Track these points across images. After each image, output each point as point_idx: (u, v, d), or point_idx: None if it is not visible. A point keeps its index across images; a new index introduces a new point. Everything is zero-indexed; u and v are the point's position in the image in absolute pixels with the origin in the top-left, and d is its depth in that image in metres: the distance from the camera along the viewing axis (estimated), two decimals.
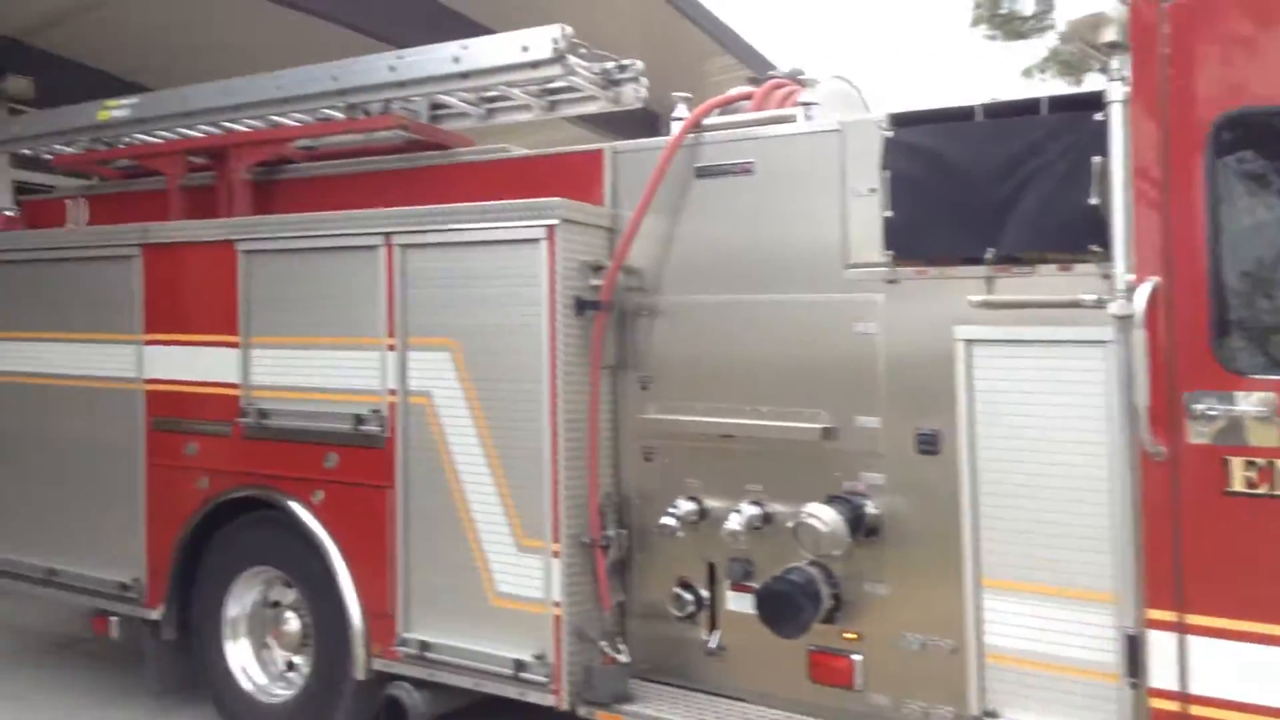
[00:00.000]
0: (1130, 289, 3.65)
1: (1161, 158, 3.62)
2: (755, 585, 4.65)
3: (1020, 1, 16.13)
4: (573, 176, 5.38)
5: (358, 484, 5.63)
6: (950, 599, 4.29)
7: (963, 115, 4.32)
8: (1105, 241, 3.85)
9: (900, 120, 4.43)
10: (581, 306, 5.01)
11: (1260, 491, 3.44)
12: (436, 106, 6.19)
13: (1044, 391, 4.09)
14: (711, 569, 4.96)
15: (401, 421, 5.47)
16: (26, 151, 8.52)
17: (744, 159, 4.86)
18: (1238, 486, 3.48)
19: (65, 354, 6.97)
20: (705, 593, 4.97)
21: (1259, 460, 3.44)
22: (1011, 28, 15.85)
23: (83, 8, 11.24)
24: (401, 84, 5.96)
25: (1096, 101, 3.87)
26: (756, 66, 10.94)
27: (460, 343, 5.30)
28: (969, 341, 4.25)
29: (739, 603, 4.83)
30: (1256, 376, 3.47)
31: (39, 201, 8.05)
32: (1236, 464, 3.48)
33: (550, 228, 4.99)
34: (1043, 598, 4.10)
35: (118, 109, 7.11)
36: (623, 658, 5.00)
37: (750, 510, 4.72)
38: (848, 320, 4.58)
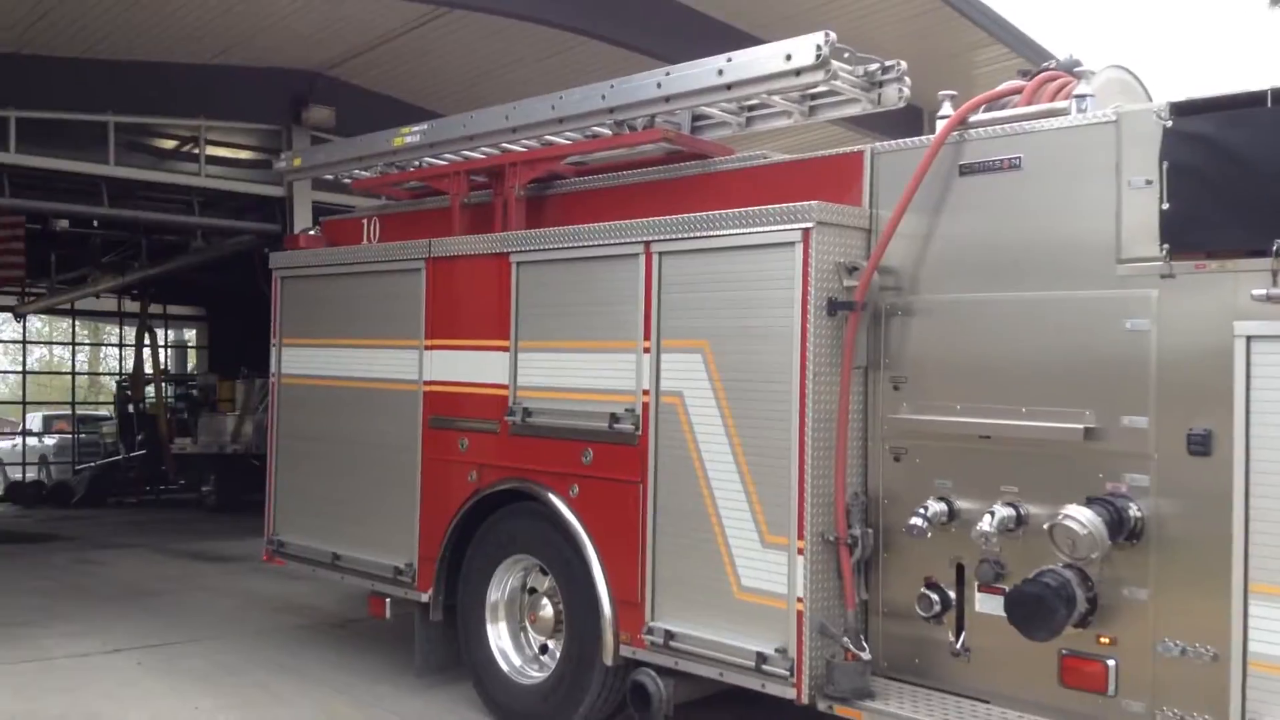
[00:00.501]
0: None
1: None
2: (1005, 587, 4.65)
3: None
4: (832, 179, 5.60)
5: (611, 479, 6.05)
6: (1215, 605, 4.18)
7: (1252, 101, 4.23)
8: None
9: (1182, 109, 4.39)
10: (834, 307, 5.21)
11: None
12: (698, 118, 6.60)
13: None
14: (960, 570, 5.00)
15: (654, 420, 5.85)
16: (328, 176, 9.72)
17: (1011, 154, 4.92)
18: None
19: (355, 358, 7.90)
20: (952, 594, 5.00)
21: None
22: None
23: (378, 42, 12.63)
24: (668, 99, 6.41)
25: None
26: (1030, 56, 10.74)
27: (712, 344, 5.63)
28: (1250, 338, 4.14)
29: (988, 604, 4.85)
30: None
31: (337, 221, 9.13)
32: None
33: (805, 231, 5.24)
34: None
35: (410, 135, 8.01)
36: (865, 655, 5.11)
37: (1004, 511, 4.74)
38: (1118, 317, 4.54)
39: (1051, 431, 4.68)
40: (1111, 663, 4.49)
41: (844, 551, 5.20)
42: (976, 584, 4.92)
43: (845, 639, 5.14)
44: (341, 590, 9.05)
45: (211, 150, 14.27)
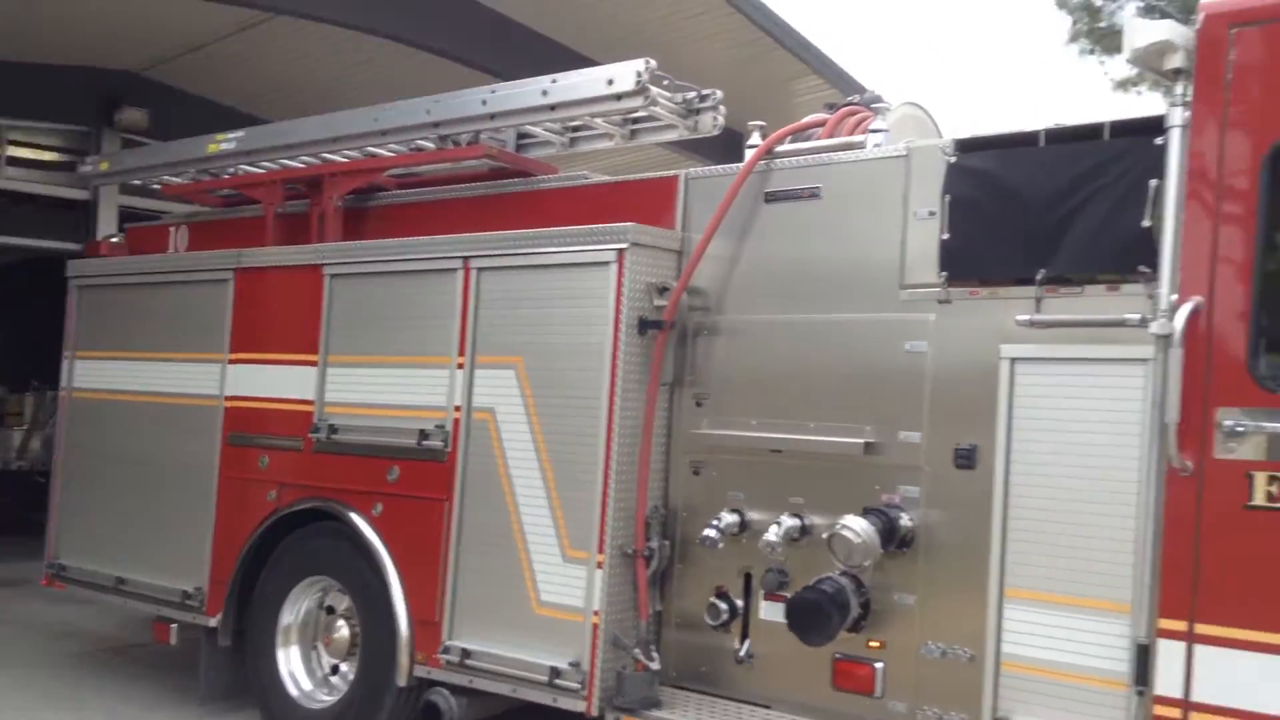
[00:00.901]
0: (1173, 308, 3.95)
1: (1216, 181, 3.94)
2: (788, 595, 4.94)
3: (1120, 15, 16.64)
4: (648, 202, 5.90)
5: (416, 497, 6.12)
6: (973, 609, 4.55)
7: (1025, 141, 4.72)
8: (1154, 263, 4.17)
9: (964, 145, 4.85)
10: (644, 326, 5.47)
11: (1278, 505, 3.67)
12: (523, 136, 6.83)
13: (1083, 408, 4.38)
14: (748, 579, 5.27)
15: (464, 436, 5.97)
16: (136, 181, 9.52)
17: (811, 184, 5.32)
18: (1259, 500, 3.72)
19: (153, 372, 7.74)
20: (740, 602, 5.27)
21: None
22: (1110, 42, 16.37)
23: (198, 45, 12.45)
24: (492, 116, 6.62)
25: (1157, 126, 4.22)
26: (844, 87, 11.49)
27: (526, 360, 5.82)
28: (1014, 359, 4.58)
29: (771, 612, 5.13)
30: None
31: (142, 229, 8.96)
32: (1260, 478, 3.72)
33: (620, 251, 5.51)
34: (1062, 608, 4.36)
35: (225, 141, 7.97)
36: (654, 665, 5.33)
37: (789, 522, 5.05)
38: (899, 338, 4.94)
39: (835, 446, 5.02)
40: (879, 665, 4.83)
41: (640, 564, 5.41)
42: (762, 592, 5.21)
43: (636, 650, 5.34)
44: (126, 615, 8.73)
45: (13, 151, 13.74)
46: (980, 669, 4.56)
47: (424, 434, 6.10)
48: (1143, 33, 4.12)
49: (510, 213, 6.40)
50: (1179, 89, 4.08)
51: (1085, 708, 4.30)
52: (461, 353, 6.03)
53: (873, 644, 4.85)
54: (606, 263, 5.54)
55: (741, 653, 5.24)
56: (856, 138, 5.38)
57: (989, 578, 4.56)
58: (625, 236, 5.51)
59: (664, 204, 5.84)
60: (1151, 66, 4.20)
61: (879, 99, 5.62)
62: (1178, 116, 4.06)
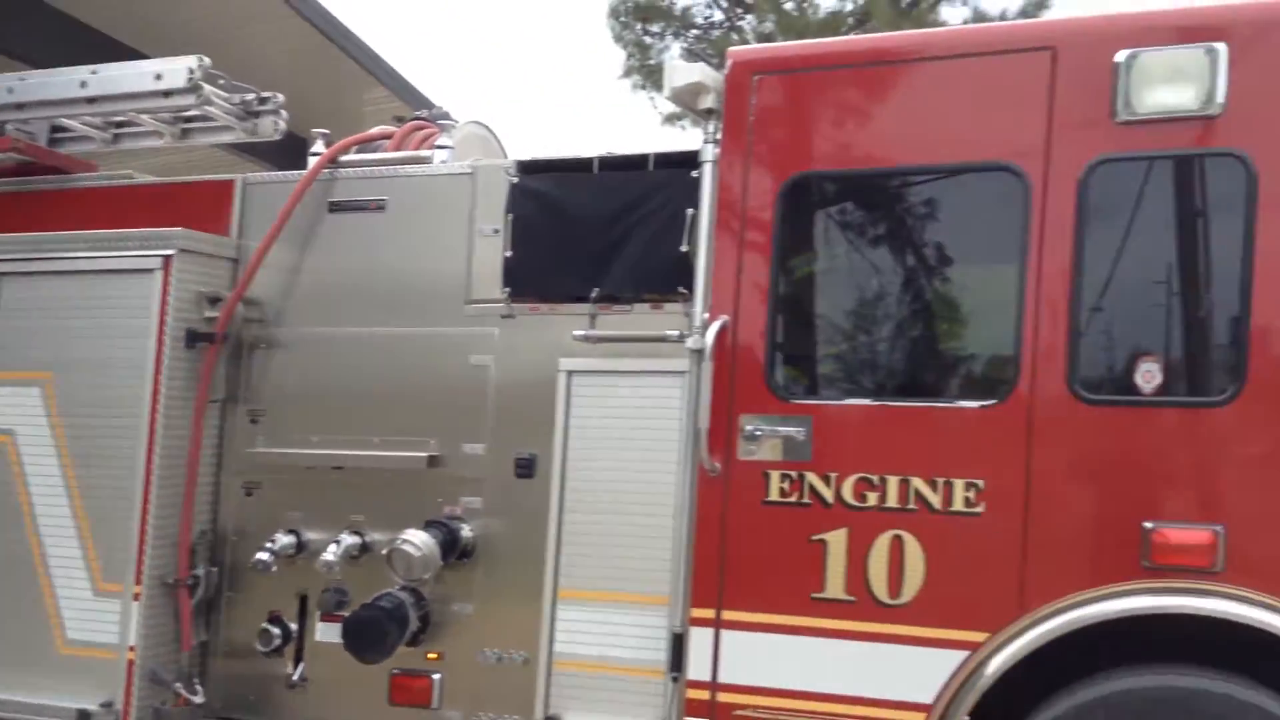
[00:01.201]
0: (704, 326, 4.42)
1: (741, 212, 4.45)
2: (346, 614, 4.93)
3: (667, 54, 18.32)
4: (201, 206, 5.66)
5: None
6: (528, 613, 4.78)
7: (582, 166, 5.06)
8: (691, 284, 4.64)
9: (526, 167, 5.11)
10: (193, 339, 5.25)
11: (791, 500, 4.21)
12: (57, 129, 6.31)
13: (630, 417, 4.77)
14: (303, 601, 5.18)
15: None
16: None
17: (377, 196, 5.37)
18: (774, 496, 4.24)
19: None
20: (294, 626, 5.17)
21: (792, 473, 4.22)
22: (657, 80, 18.01)
23: None
24: (20, 105, 6.07)
25: (694, 160, 4.70)
26: (413, 101, 11.72)
27: (55, 376, 5.39)
28: (571, 372, 4.89)
29: (328, 633, 5.07)
30: (798, 401, 4.27)
31: None
32: (775, 476, 4.25)
33: (166, 258, 5.27)
34: (610, 604, 4.70)
35: None
36: (196, 698, 5.09)
37: (349, 540, 5.03)
38: (464, 352, 5.11)
39: (399, 460, 5.09)
40: (437, 677, 4.93)
41: (184, 594, 5.16)
42: (319, 614, 5.14)
43: (177, 684, 5.08)
44: None
45: None
46: (534, 670, 4.80)
47: None
48: (680, 73, 4.59)
49: (45, 213, 5.89)
50: (711, 127, 4.56)
51: (630, 698, 4.65)
52: None
53: (431, 656, 4.94)
54: (150, 270, 5.30)
55: (295, 677, 5.13)
56: (423, 152, 5.50)
57: (544, 582, 4.81)
58: (172, 242, 5.30)
59: (219, 209, 5.65)
60: (688, 105, 4.68)
61: (446, 115, 5.79)
62: (709, 153, 4.54)
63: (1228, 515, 3.70)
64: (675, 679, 4.44)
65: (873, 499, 4.10)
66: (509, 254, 5.05)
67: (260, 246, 5.38)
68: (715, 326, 4.32)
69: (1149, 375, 3.86)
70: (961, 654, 3.94)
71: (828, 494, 4.16)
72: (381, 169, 5.45)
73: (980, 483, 3.97)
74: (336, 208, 5.44)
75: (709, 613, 4.30)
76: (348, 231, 5.42)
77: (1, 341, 5.50)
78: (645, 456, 4.75)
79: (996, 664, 3.88)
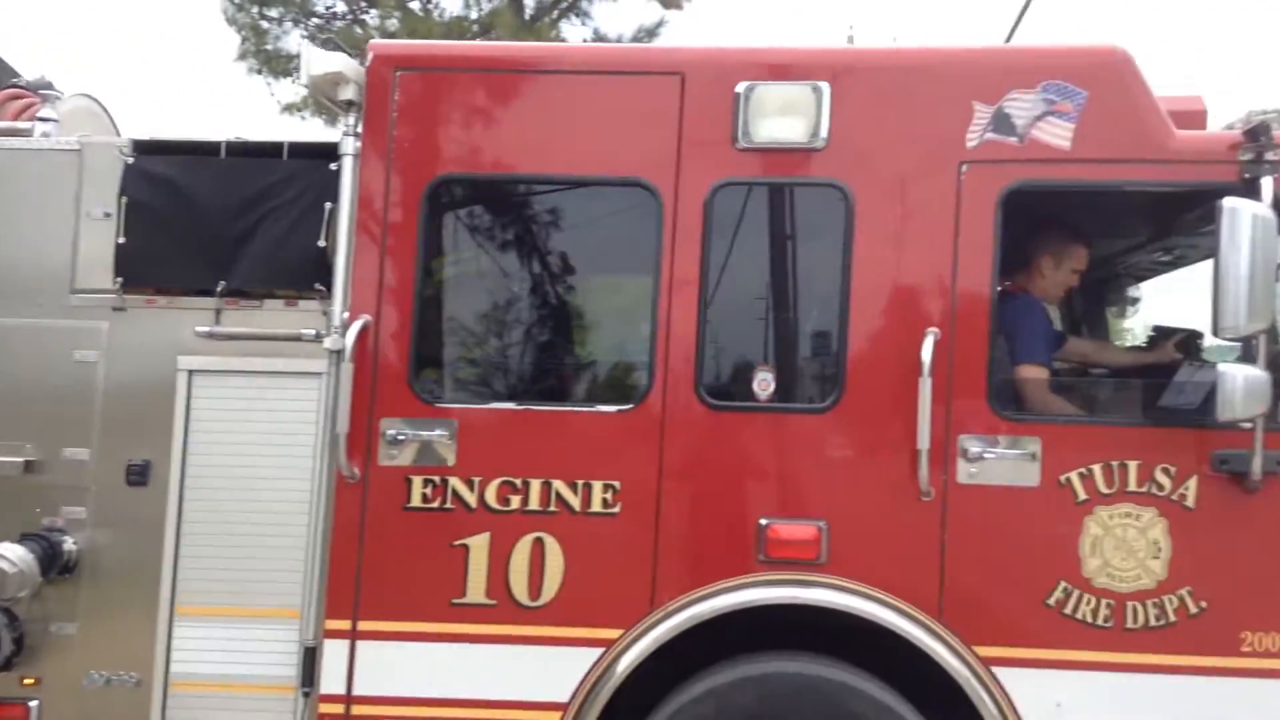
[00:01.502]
0: (344, 326, 4.30)
1: (382, 209, 4.36)
2: None
3: (285, 40, 17.61)
4: None
5: None
6: (142, 632, 4.47)
7: (207, 150, 4.76)
8: (329, 282, 4.50)
9: (143, 147, 4.73)
10: None
11: (433, 506, 4.21)
12: None
13: (261, 420, 4.56)
14: None
15: None
16: None
17: None
18: (415, 502, 4.22)
19: None
20: None
21: (435, 478, 4.22)
22: (274, 66, 17.23)
23: None
24: None
25: (332, 151, 4.56)
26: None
27: None
28: (192, 372, 4.60)
29: None
30: (441, 405, 4.27)
31: None
32: (417, 482, 4.23)
33: None
34: (235, 620, 4.49)
35: None
36: None
37: None
38: (68, 347, 4.66)
39: None
40: (35, 703, 4.49)
41: None
42: None
43: None
44: None
45: None
46: (148, 693, 4.49)
47: None
48: (319, 62, 4.43)
49: None
50: (351, 119, 4.44)
51: (261, 717, 4.45)
52: None
53: (28, 681, 4.50)
54: None
55: None
56: (22, 124, 4.96)
57: (159, 598, 4.51)
58: None
59: None
60: (326, 95, 4.53)
61: (49, 86, 5.25)
62: (350, 145, 4.42)
63: (829, 512, 4.10)
64: (307, 694, 4.32)
65: (515, 502, 4.18)
66: (122, 240, 4.66)
67: None
68: (356, 326, 4.23)
69: (764, 383, 4.20)
70: (597, 651, 4.11)
71: (470, 499, 4.20)
72: None
73: (617, 484, 4.15)
74: None
75: (344, 624, 4.21)
76: None
77: None
78: (277, 463, 4.57)
79: (627, 660, 4.08)
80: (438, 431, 4.22)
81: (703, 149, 4.24)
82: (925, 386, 4.00)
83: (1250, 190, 4.00)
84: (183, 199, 4.68)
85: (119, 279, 4.66)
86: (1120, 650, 4.00)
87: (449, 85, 4.44)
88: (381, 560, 4.22)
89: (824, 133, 4.21)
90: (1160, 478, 4.04)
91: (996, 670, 4.00)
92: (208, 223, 4.66)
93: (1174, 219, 4.68)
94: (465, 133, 4.44)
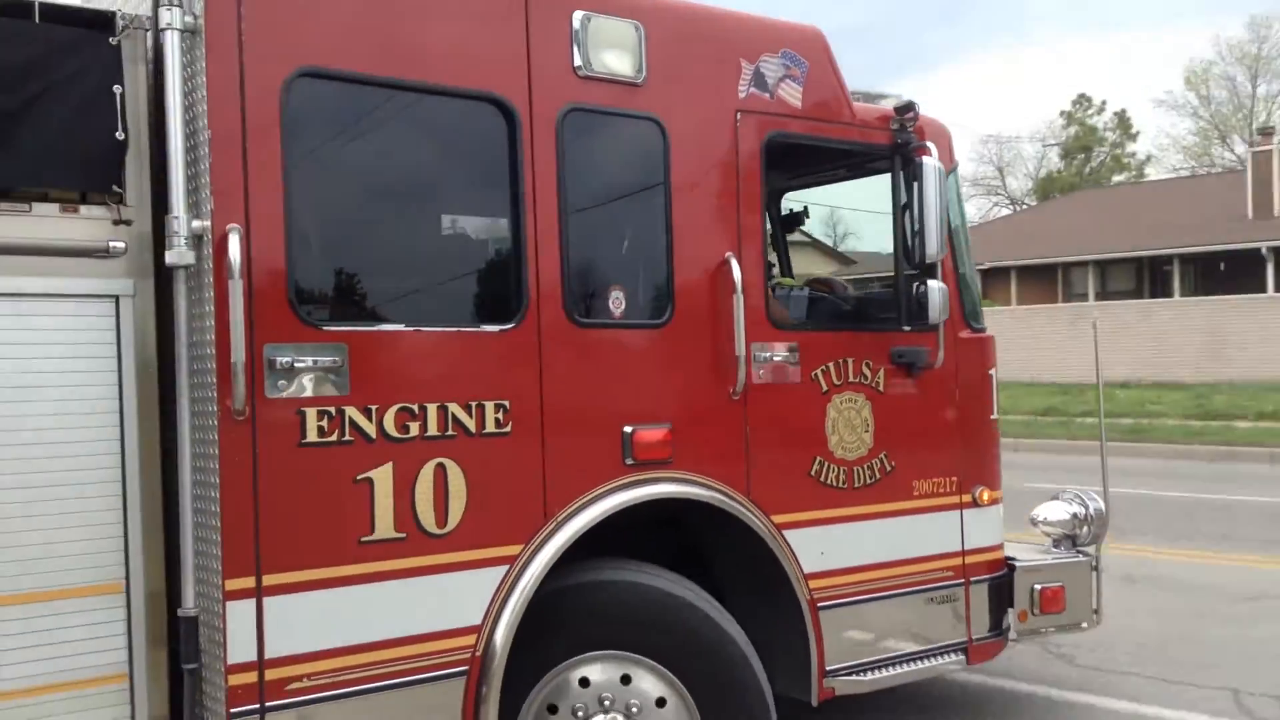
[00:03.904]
0: (197, 236, 3.78)
1: (237, 103, 3.82)
2: None
3: None
4: None
5: None
6: None
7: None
8: (124, 182, 3.86)
9: None
10: None
11: (331, 440, 3.96)
12: None
13: (30, 356, 3.74)
14: None
15: None
16: None
17: None
18: (311, 437, 3.93)
19: None
20: None
21: (330, 409, 3.96)
22: None
23: None
24: None
25: (108, 22, 3.85)
26: None
27: None
28: None
29: None
30: (329, 329, 3.98)
31: None
32: (311, 415, 3.93)
33: None
34: (40, 605, 3.74)
35: None
36: None
37: None
38: None
39: None
40: None
41: None
42: None
43: None
44: None
45: None
46: None
47: None
48: None
49: None
50: None
51: (85, 717, 3.76)
52: None
53: None
54: None
55: None
56: None
57: None
58: None
59: None
60: None
61: None
62: (173, 17, 3.81)
63: (672, 415, 4.78)
64: (192, 670, 3.80)
65: (414, 429, 4.13)
66: None
67: None
68: (235, 238, 3.77)
69: (617, 302, 4.71)
70: (502, 569, 4.30)
71: (370, 429, 4.05)
72: None
73: (507, 403, 4.34)
74: None
75: (246, 582, 3.79)
76: None
77: None
78: (59, 409, 3.81)
79: (531, 573, 4.34)
80: (330, 358, 3.97)
81: (552, 73, 4.54)
82: (738, 303, 4.88)
83: (901, 152, 5.53)
84: None
85: None
86: (851, 505, 5.35)
87: None
88: (280, 505, 3.86)
89: (644, 69, 4.79)
90: (865, 370, 5.43)
91: (785, 532, 5.08)
92: None
93: (858, 169, 6.02)
94: (334, 21, 4.09)
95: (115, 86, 3.88)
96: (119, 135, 3.88)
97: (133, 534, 3.90)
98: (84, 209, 3.89)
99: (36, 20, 3.85)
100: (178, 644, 3.87)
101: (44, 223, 3.82)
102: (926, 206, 5.30)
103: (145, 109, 3.97)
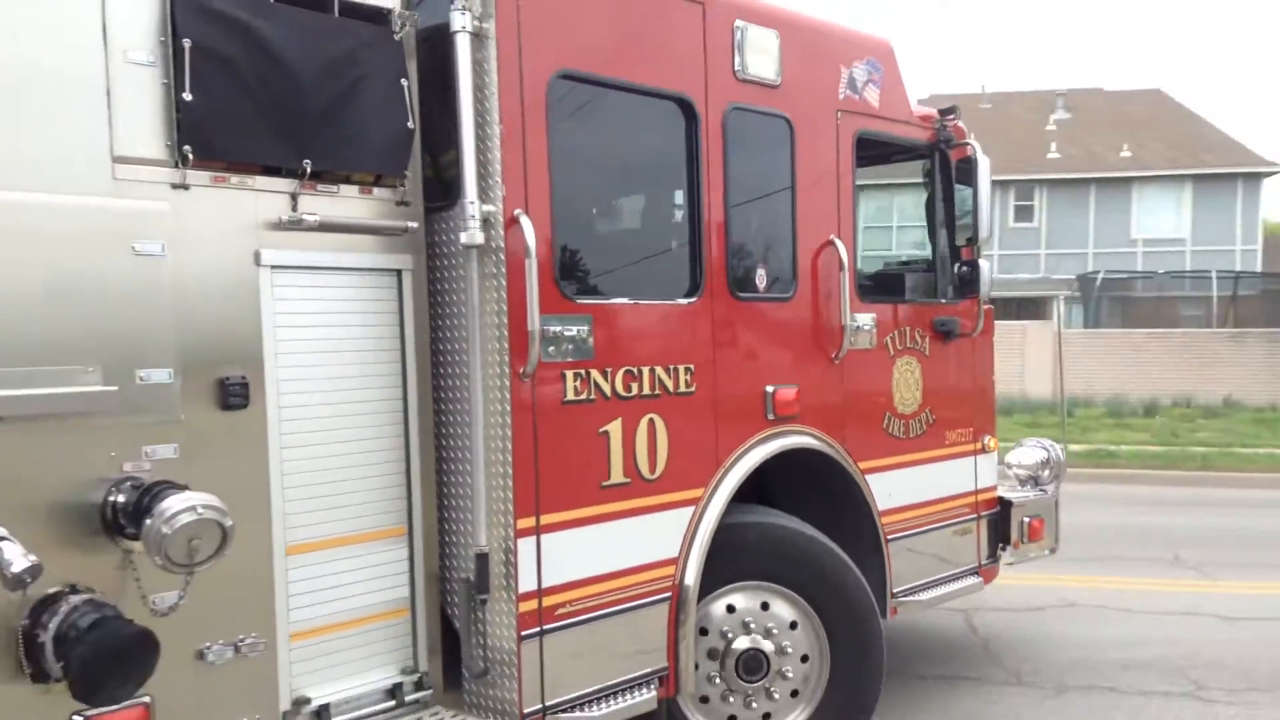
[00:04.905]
0: (487, 221, 4.44)
1: (518, 101, 4.50)
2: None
3: None
4: None
5: None
6: (257, 583, 4.07)
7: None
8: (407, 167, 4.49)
9: None
10: None
11: (582, 398, 4.73)
12: None
13: (341, 324, 4.35)
14: None
15: None
16: None
17: None
18: (570, 395, 4.69)
19: None
20: None
21: (582, 371, 4.72)
22: None
23: None
24: None
25: (385, 17, 4.41)
26: None
27: None
28: (274, 267, 4.14)
29: None
30: (581, 302, 4.72)
31: None
32: (570, 376, 4.68)
33: None
34: (338, 550, 4.35)
35: None
36: None
37: None
38: (124, 236, 3.75)
39: (45, 401, 3.55)
40: (147, 699, 3.93)
41: None
42: None
43: None
44: None
45: None
46: (272, 653, 4.11)
47: None
48: None
49: None
50: None
51: (374, 648, 4.48)
52: None
53: None
54: None
55: None
56: None
57: (272, 540, 4.12)
58: None
59: None
60: None
61: None
62: (464, 21, 4.41)
63: (798, 377, 5.76)
64: (484, 601, 4.53)
65: (635, 388, 4.95)
66: (189, 97, 3.88)
67: None
68: (525, 221, 4.46)
69: (761, 278, 5.62)
70: (690, 509, 5.19)
71: (607, 388, 4.84)
72: None
73: (693, 366, 5.20)
74: None
75: (530, 522, 4.55)
76: None
77: None
78: (358, 370, 4.43)
79: (711, 513, 5.25)
80: (582, 327, 4.73)
81: (718, 76, 5.37)
82: (844, 279, 5.89)
83: (943, 149, 6.66)
84: (263, 50, 4.06)
85: (185, 147, 3.90)
86: (908, 452, 6.49)
87: None
88: (551, 455, 4.62)
89: (780, 73, 5.68)
90: (917, 337, 6.57)
91: (868, 476, 6.17)
92: (293, 85, 4.14)
93: (907, 159, 7.02)
94: (579, 31, 4.79)
95: (403, 79, 4.46)
96: (409, 124, 4.46)
97: (414, 483, 4.55)
98: (376, 190, 4.47)
99: (335, 14, 4.36)
100: (450, 582, 4.58)
101: (349, 203, 4.39)
102: (980, 194, 6.44)
103: (416, 100, 4.54)
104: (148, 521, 3.54)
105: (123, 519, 3.64)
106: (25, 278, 3.54)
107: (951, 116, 6.71)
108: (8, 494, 3.49)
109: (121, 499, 3.66)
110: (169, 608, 3.80)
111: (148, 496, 3.63)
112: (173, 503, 3.56)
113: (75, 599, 3.55)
